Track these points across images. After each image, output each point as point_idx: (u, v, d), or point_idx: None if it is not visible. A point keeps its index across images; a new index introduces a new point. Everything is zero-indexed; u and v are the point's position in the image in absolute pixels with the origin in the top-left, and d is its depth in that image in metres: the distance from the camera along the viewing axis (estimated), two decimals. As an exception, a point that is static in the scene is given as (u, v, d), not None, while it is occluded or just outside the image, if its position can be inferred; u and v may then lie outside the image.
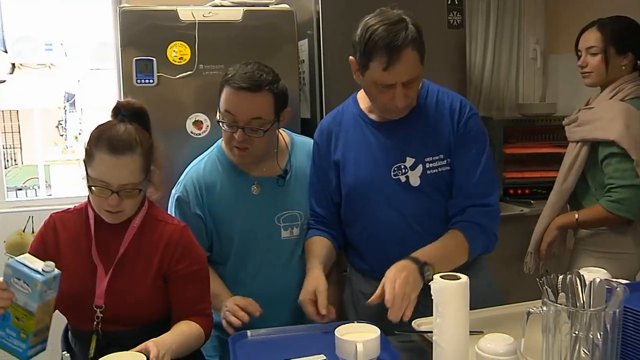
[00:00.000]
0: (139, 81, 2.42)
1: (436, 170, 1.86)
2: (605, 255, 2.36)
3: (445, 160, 1.86)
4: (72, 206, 1.83)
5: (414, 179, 1.86)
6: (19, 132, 8.37)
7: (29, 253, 1.57)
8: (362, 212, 1.92)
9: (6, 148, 8.46)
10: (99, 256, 1.72)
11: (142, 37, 2.44)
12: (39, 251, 1.71)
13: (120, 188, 1.63)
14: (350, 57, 1.80)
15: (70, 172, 5.18)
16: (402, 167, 1.86)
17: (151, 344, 1.54)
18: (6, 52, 4.59)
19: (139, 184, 1.67)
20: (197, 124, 2.50)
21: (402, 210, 1.88)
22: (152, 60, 2.42)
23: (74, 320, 1.77)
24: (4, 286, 1.45)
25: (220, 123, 1.91)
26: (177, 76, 2.46)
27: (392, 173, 1.87)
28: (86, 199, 1.76)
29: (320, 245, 1.96)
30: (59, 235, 1.76)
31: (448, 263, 1.74)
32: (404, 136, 1.87)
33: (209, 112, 2.48)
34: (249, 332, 1.75)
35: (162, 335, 1.64)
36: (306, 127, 2.59)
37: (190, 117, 2.49)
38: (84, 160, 1.68)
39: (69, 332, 1.83)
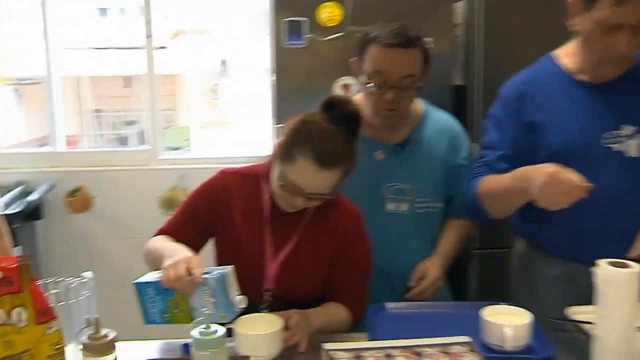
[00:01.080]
0: (288, 43, 2.40)
1: None
2: None
3: None
4: (240, 166, 1.77)
5: (634, 149, 1.67)
6: (177, 95, 8.90)
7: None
8: None
9: (165, 110, 9.03)
10: (272, 236, 1.68)
11: (295, -1, 2.41)
12: (208, 204, 1.69)
13: (311, 195, 1.56)
14: None
15: (222, 134, 5.38)
16: (617, 134, 1.67)
17: (296, 315, 1.52)
18: (169, 19, 4.80)
19: (327, 194, 1.59)
20: (346, 87, 2.43)
21: (612, 183, 1.66)
22: (303, 21, 2.38)
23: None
24: (199, 280, 1.38)
25: (367, 85, 1.81)
26: (327, 38, 2.41)
27: (602, 140, 1.68)
28: (256, 164, 1.73)
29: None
30: (232, 199, 1.69)
31: None
32: (620, 101, 1.68)
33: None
34: (388, 305, 1.69)
35: (310, 310, 1.61)
36: (459, 95, 2.45)
37: (338, 80, 2.44)
38: (278, 148, 1.57)
39: None
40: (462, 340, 1.39)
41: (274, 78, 2.49)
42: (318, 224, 1.68)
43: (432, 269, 1.84)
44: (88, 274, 1.36)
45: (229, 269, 1.43)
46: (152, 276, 1.48)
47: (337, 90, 2.44)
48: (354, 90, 2.41)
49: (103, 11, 7.06)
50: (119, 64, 6.52)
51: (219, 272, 1.40)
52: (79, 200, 3.06)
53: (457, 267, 2.04)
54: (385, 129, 1.88)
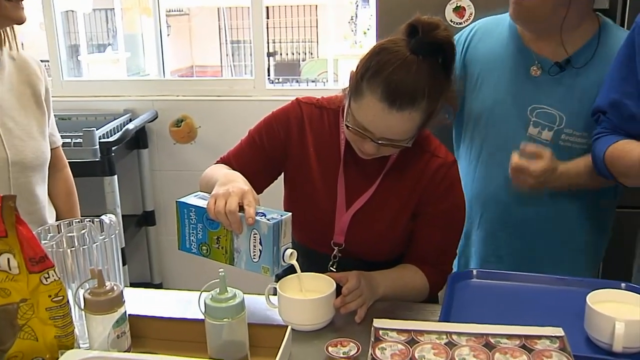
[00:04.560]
0: (393, -43, 2.06)
1: None
2: None
3: None
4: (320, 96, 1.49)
5: None
6: (317, 26, 8.70)
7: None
8: None
9: (304, 41, 8.90)
10: (347, 181, 1.42)
11: None
12: (280, 134, 1.44)
13: (384, 140, 1.27)
14: None
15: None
16: None
17: (354, 277, 1.27)
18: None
19: (407, 140, 1.29)
20: (459, 10, 2.07)
21: None
22: None
23: (306, 241, 1.50)
24: (250, 221, 1.16)
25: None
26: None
27: None
28: (339, 94, 1.43)
29: None
30: (306, 132, 1.44)
31: None
32: None
33: (475, -5, 2.04)
34: (474, 272, 1.39)
35: (378, 272, 1.36)
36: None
37: (451, 2, 2.08)
38: (350, 82, 1.29)
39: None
40: (553, 334, 1.08)
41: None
42: (401, 172, 1.40)
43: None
44: (109, 217, 1.18)
45: (286, 216, 1.19)
46: (199, 199, 1.28)
47: (450, 15, 2.08)
48: (467, 13, 2.04)
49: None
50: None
51: (275, 218, 1.17)
52: (183, 130, 2.99)
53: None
54: (541, 34, 1.55)
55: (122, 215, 2.72)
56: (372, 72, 1.23)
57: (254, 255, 1.18)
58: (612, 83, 1.41)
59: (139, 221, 3.02)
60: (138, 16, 5.39)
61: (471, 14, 2.07)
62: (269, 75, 3.05)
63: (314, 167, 1.44)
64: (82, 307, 1.05)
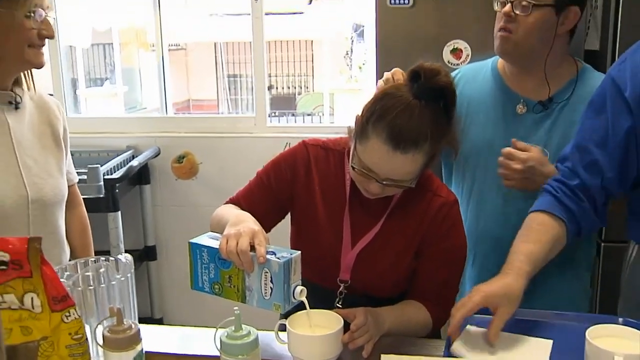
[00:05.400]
0: (393, 1, 2.15)
1: None
2: None
3: None
4: (327, 137, 1.55)
5: None
6: (312, 60, 8.84)
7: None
8: None
9: (300, 75, 9.02)
10: (352, 220, 1.47)
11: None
12: (287, 176, 1.50)
13: (388, 181, 1.32)
14: None
15: (352, 100, 5.21)
16: None
17: (362, 314, 1.31)
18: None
19: (411, 181, 1.35)
20: (456, 52, 2.16)
21: None
22: (409, -22, 2.13)
23: (313, 277, 1.52)
24: (261, 260, 1.21)
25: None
26: (436, -4, 2.14)
27: None
28: (344, 136, 1.47)
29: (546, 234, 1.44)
30: (313, 173, 1.50)
31: None
32: None
33: (470, 39, 2.16)
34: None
35: (383, 308, 1.40)
36: (592, 61, 2.07)
37: (449, 44, 2.17)
38: (356, 126, 1.35)
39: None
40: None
41: (376, 41, 2.26)
42: (405, 211, 1.45)
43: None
44: (125, 256, 1.23)
45: (296, 254, 1.24)
46: (211, 239, 1.32)
47: (447, 56, 2.17)
48: (463, 55, 2.13)
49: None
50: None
51: (285, 257, 1.22)
52: (185, 166, 3.04)
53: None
54: (523, 73, 1.65)
55: (124, 250, 2.76)
56: (377, 116, 1.29)
57: (266, 293, 1.22)
58: (581, 129, 1.47)
59: (141, 256, 3.05)
60: (136, 50, 5.49)
61: (468, 55, 2.16)
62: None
63: (320, 207, 1.49)
64: (102, 344, 1.09)
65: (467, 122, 1.67)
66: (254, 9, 2.96)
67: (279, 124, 3.20)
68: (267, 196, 1.52)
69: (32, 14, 1.42)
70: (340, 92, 5.80)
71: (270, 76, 8.29)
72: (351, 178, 1.43)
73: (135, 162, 2.73)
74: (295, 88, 8.92)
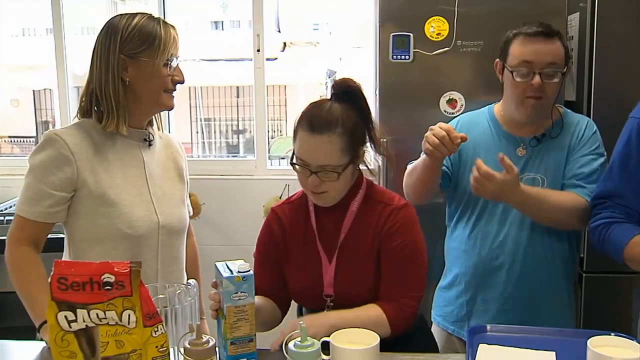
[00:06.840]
0: (395, 57, 2.40)
1: None
2: None
3: None
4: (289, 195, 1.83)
5: None
6: (286, 105, 9.09)
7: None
8: None
9: (274, 120, 9.25)
10: (322, 244, 1.69)
11: (401, 13, 2.42)
12: (269, 246, 1.74)
13: (319, 169, 1.57)
14: None
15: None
16: None
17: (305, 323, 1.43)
18: (279, 32, 4.92)
19: (338, 167, 1.57)
20: (451, 102, 2.41)
21: None
22: (409, 35, 2.38)
23: (307, 306, 1.80)
24: (214, 286, 1.44)
25: (513, 75, 1.84)
26: (434, 52, 2.39)
27: None
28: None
29: None
30: (285, 229, 1.73)
31: None
32: None
33: (464, 90, 2.39)
34: (488, 327, 1.64)
35: (321, 314, 1.62)
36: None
37: (445, 95, 2.41)
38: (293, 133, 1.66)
39: (302, 309, 1.85)
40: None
41: (378, 92, 2.49)
42: (362, 221, 1.67)
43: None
44: (192, 282, 1.41)
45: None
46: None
47: (444, 106, 2.41)
48: (458, 105, 2.38)
49: (216, 24, 7.35)
50: (229, 75, 6.78)
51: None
52: (188, 206, 3.18)
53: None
54: (529, 122, 1.90)
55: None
56: (301, 115, 1.59)
57: None
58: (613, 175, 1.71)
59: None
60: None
61: (462, 105, 2.40)
62: (238, 152, 3.25)
63: (298, 248, 1.71)
64: (184, 354, 1.26)
65: (469, 163, 1.91)
66: (255, 58, 3.18)
67: (279, 167, 3.37)
68: (268, 270, 1.73)
69: (169, 62, 1.61)
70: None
71: (244, 120, 8.49)
72: (313, 208, 1.69)
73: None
74: (268, 132, 9.11)
